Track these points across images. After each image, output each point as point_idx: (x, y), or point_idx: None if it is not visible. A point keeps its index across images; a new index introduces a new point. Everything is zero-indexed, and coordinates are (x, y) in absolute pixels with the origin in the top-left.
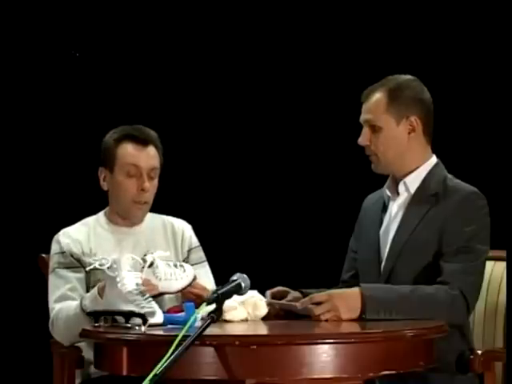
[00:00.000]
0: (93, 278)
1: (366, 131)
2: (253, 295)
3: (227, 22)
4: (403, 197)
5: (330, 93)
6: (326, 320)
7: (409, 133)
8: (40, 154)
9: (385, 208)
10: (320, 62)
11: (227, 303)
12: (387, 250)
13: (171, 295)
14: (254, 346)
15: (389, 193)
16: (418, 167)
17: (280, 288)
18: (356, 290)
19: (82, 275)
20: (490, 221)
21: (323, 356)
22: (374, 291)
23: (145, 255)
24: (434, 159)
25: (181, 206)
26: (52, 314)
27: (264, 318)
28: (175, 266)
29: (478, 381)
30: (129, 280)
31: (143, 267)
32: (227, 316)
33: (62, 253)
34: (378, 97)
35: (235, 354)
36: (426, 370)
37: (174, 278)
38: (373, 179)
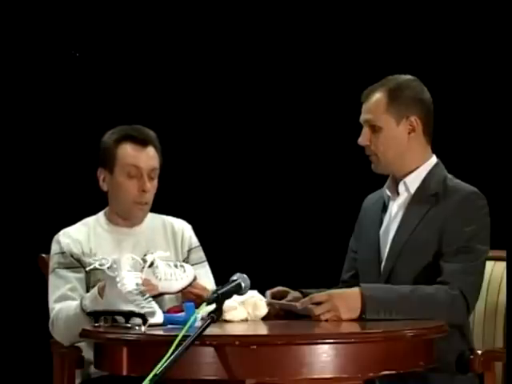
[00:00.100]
0: (93, 278)
1: (365, 131)
2: (253, 295)
3: (226, 22)
4: (403, 197)
5: (330, 93)
6: (326, 320)
7: (409, 133)
8: (40, 154)
9: (385, 208)
10: (320, 62)
11: (227, 303)
12: (387, 249)
13: (171, 295)
14: (254, 346)
15: (389, 193)
16: (418, 167)
17: (280, 288)
18: (356, 290)
19: (82, 275)
20: (490, 221)
21: (323, 356)
22: (374, 291)
23: (145, 255)
24: (434, 159)
25: (181, 205)
26: (52, 314)
27: (264, 318)
28: (175, 266)
29: (478, 381)
30: (129, 280)
31: (143, 267)
32: (227, 316)
33: (62, 253)
34: (378, 97)
35: (235, 354)
36: (426, 370)
37: (174, 278)
38: (373, 179)
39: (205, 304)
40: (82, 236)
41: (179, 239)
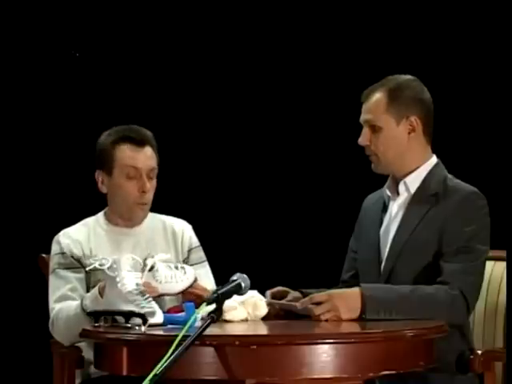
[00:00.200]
0: (93, 279)
1: (366, 131)
2: (253, 295)
3: (224, 21)
4: (403, 197)
5: (330, 93)
6: (326, 320)
7: (409, 133)
8: (40, 154)
9: (385, 208)
10: (320, 62)
11: (227, 303)
12: (387, 249)
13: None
14: (254, 346)
15: (389, 193)
16: (418, 167)
17: (280, 288)
18: (356, 290)
19: (82, 275)
20: (490, 221)
21: (323, 356)
22: (374, 291)
23: (145, 259)
24: (434, 159)
25: (181, 206)
26: (52, 313)
27: (264, 318)
28: (176, 268)
29: (478, 381)
30: (129, 280)
31: (143, 270)
32: (227, 316)
33: (63, 253)
34: (377, 97)
35: (235, 354)
36: (426, 370)
37: (174, 280)
38: (373, 179)
39: (205, 304)
40: (82, 236)
41: (179, 239)
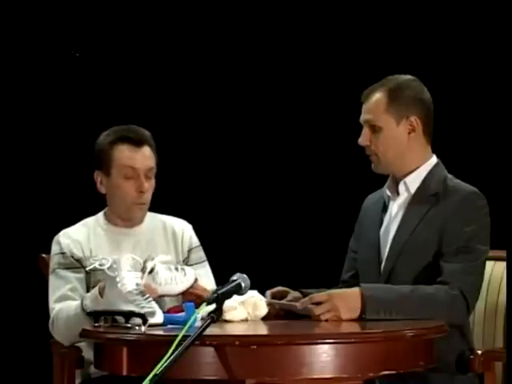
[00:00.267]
0: (93, 279)
1: (366, 131)
2: (253, 295)
3: (224, 21)
4: (403, 197)
5: (330, 93)
6: (326, 320)
7: (409, 133)
8: (39, 155)
9: (385, 208)
10: (320, 62)
11: (227, 303)
12: (387, 249)
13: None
14: (254, 346)
15: (389, 193)
16: (418, 167)
17: (280, 288)
18: (356, 290)
19: (82, 275)
20: (490, 221)
21: (323, 356)
22: (374, 291)
23: (145, 262)
24: (434, 159)
25: (181, 206)
26: (52, 313)
27: (264, 318)
28: (176, 269)
29: (478, 381)
30: (129, 280)
31: (143, 273)
32: (227, 316)
33: (63, 253)
34: (377, 97)
35: (235, 354)
36: (426, 370)
37: (174, 282)
38: (373, 179)
39: (205, 304)
40: (81, 236)
41: (179, 239)
